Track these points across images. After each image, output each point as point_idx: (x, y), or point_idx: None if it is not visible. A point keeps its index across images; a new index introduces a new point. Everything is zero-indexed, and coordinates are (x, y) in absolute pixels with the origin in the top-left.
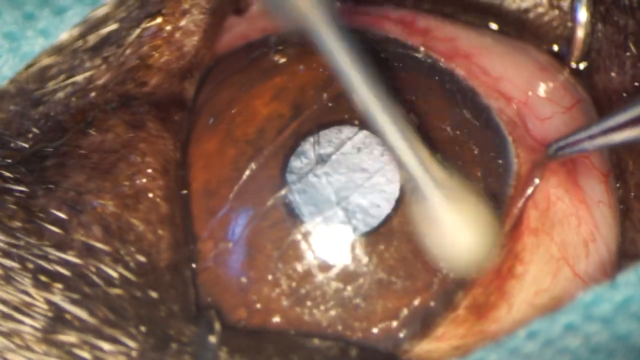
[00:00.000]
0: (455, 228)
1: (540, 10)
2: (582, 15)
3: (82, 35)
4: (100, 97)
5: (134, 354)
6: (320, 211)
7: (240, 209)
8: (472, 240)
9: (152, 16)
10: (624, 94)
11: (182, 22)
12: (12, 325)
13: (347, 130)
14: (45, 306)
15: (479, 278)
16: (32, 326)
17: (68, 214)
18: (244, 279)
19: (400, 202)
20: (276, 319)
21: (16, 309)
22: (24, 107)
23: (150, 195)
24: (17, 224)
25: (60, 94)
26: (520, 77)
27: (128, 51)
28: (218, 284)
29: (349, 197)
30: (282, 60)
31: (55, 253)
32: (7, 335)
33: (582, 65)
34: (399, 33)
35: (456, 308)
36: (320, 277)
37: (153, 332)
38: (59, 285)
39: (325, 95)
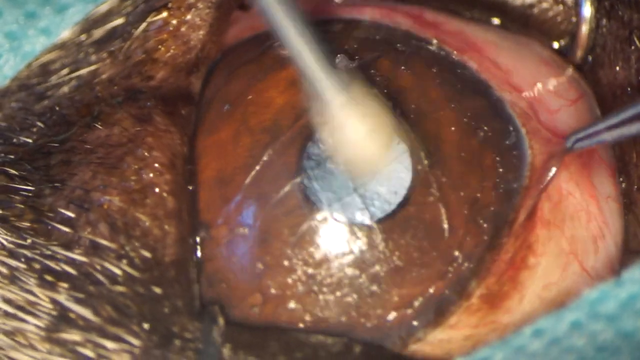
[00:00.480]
0: (356, 131)
1: (545, 5)
2: (587, 10)
3: (86, 30)
4: (106, 91)
5: (137, 351)
6: (338, 198)
7: (256, 196)
8: (372, 143)
9: (158, 10)
10: (629, 89)
11: (188, 16)
12: (15, 324)
13: None
14: (49, 305)
15: (494, 267)
16: (35, 325)
17: (76, 212)
18: (259, 265)
19: (415, 190)
20: (291, 305)
21: (20, 308)
22: (27, 102)
23: (157, 190)
24: (26, 224)
25: (65, 88)
26: (527, 71)
27: (134, 45)
28: (230, 271)
29: (366, 184)
30: None
31: (62, 252)
32: (11, 334)
33: (586, 60)
34: (410, 25)
35: (470, 297)
36: (336, 263)
37: (156, 329)
38: (65, 285)
39: None
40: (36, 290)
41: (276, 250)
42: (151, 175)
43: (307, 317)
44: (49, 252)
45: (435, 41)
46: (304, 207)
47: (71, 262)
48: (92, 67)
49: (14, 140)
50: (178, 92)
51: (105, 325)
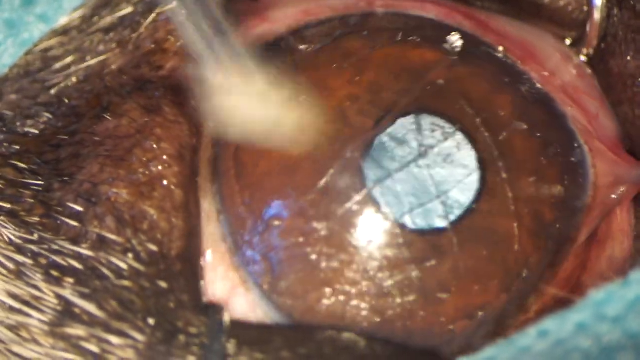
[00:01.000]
0: (244, 99)
1: None
2: None
3: (90, 17)
4: (116, 81)
5: (141, 347)
6: (420, 203)
7: (331, 193)
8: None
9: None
10: (639, 79)
11: None
12: (19, 318)
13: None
14: (54, 300)
15: (552, 285)
16: (39, 320)
17: (84, 206)
18: (331, 264)
19: (491, 201)
20: (359, 307)
21: (25, 302)
22: (30, 91)
23: (165, 182)
24: (35, 219)
25: (73, 79)
26: (567, 75)
27: (143, 35)
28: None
29: (448, 192)
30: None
31: (69, 247)
32: (15, 328)
33: (597, 50)
34: (474, 28)
35: (528, 311)
36: (404, 268)
37: (161, 324)
38: (70, 280)
39: (421, 83)
40: (42, 285)
41: (351, 250)
42: (159, 167)
43: (376, 319)
44: (56, 247)
45: (501, 48)
46: (381, 209)
47: (78, 256)
48: (102, 58)
49: (18, 129)
50: (188, 83)
51: (109, 320)
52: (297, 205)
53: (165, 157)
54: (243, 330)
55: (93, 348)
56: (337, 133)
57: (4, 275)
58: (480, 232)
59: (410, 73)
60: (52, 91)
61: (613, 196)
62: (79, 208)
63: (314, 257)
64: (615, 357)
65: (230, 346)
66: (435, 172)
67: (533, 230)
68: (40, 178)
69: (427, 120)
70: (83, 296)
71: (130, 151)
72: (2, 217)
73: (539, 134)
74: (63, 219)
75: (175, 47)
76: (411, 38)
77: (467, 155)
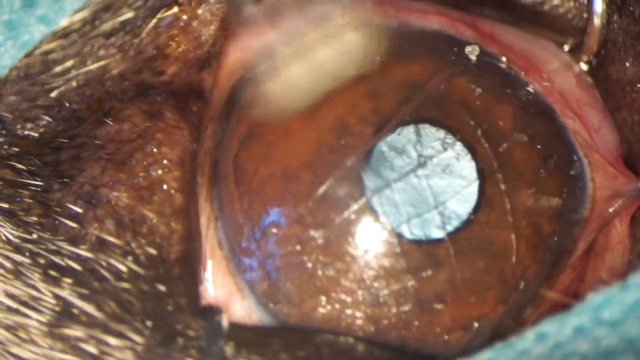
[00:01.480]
0: None
1: (556, 2)
2: (598, 5)
3: (91, 21)
4: (117, 86)
5: (139, 348)
6: (418, 213)
7: (330, 201)
8: None
9: (169, 5)
10: (638, 85)
11: (199, 11)
12: (17, 319)
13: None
14: (52, 301)
15: (549, 296)
16: (38, 320)
17: (84, 208)
18: (327, 272)
19: (490, 213)
20: (354, 315)
21: (23, 303)
22: (30, 93)
23: (165, 187)
24: (33, 218)
25: (73, 83)
26: (567, 83)
27: (145, 41)
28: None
29: (446, 202)
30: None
31: (68, 248)
32: (12, 329)
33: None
34: (476, 38)
35: (525, 323)
36: (402, 278)
37: (160, 326)
38: (69, 280)
39: (423, 93)
40: (40, 285)
41: (347, 258)
42: (160, 172)
43: (371, 328)
44: (54, 247)
45: (504, 59)
46: (379, 218)
47: (76, 257)
48: (102, 63)
49: (18, 132)
50: (189, 88)
51: (108, 321)
52: (295, 213)
53: (165, 161)
54: (241, 333)
55: (91, 349)
56: (337, 141)
57: (1, 274)
58: (478, 243)
59: (410, 82)
60: (53, 94)
61: (610, 209)
62: (78, 209)
63: (310, 265)
64: None
65: (229, 349)
66: (433, 183)
67: (531, 242)
68: (39, 179)
69: (426, 130)
70: (82, 297)
71: (131, 155)
72: None
73: (539, 146)
74: (62, 219)
75: (177, 53)
76: (413, 47)
77: (467, 166)
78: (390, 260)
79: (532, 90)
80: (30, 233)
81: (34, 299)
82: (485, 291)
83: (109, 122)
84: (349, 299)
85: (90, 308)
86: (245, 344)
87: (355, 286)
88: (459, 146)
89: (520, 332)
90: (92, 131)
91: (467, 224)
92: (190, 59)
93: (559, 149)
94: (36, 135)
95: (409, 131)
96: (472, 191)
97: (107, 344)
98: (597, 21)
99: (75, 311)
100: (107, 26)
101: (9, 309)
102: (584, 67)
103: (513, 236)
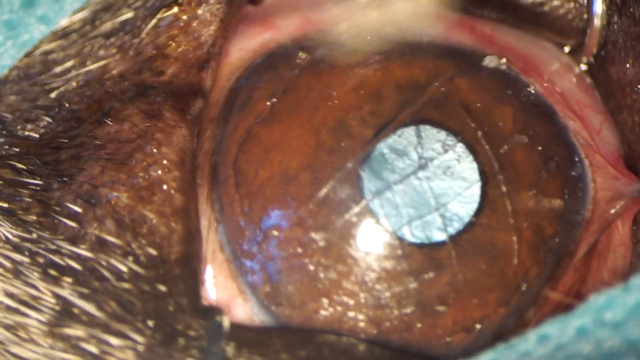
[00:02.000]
0: None
1: (556, 3)
2: (598, 7)
3: (91, 21)
4: (117, 86)
5: (141, 348)
6: (419, 215)
7: (331, 203)
8: None
9: (168, 6)
10: (638, 86)
11: (199, 12)
12: (17, 318)
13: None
14: (52, 300)
15: (551, 298)
16: (38, 320)
17: (83, 208)
18: (329, 274)
19: (491, 215)
20: (357, 317)
21: (23, 302)
22: (30, 94)
23: (165, 187)
24: (32, 217)
25: (73, 83)
26: (567, 84)
27: (145, 41)
28: (298, 279)
29: (448, 204)
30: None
31: (67, 247)
32: (12, 328)
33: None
34: (473, 40)
35: (527, 325)
36: (403, 280)
37: (161, 326)
38: (68, 280)
39: (425, 94)
40: (39, 284)
41: (349, 259)
42: (159, 172)
43: (373, 330)
44: (54, 247)
45: (504, 60)
46: (380, 219)
47: (76, 257)
48: (102, 63)
49: (18, 132)
50: (189, 88)
51: (109, 321)
52: (296, 215)
53: (165, 161)
54: (242, 333)
55: (92, 349)
56: (337, 143)
57: (1, 274)
58: (479, 245)
59: (412, 84)
60: (52, 95)
61: (612, 211)
62: (77, 209)
63: (312, 267)
64: None
65: (230, 349)
66: (435, 185)
67: (532, 243)
68: (38, 178)
69: (427, 132)
70: (82, 296)
71: (130, 155)
72: None
73: (540, 147)
74: (61, 218)
75: (177, 53)
76: (414, 49)
77: (468, 168)
78: (391, 262)
79: (532, 91)
80: (30, 232)
81: (34, 298)
82: (487, 293)
83: (108, 122)
84: (351, 302)
85: (90, 307)
86: (246, 344)
87: (357, 288)
88: (460, 148)
89: (522, 333)
90: (91, 131)
91: (468, 226)
92: (190, 59)
93: (560, 150)
94: (36, 135)
95: (409, 133)
96: (473, 193)
97: (108, 344)
98: (597, 22)
99: (75, 311)
100: (107, 26)
101: (9, 308)
102: (584, 68)
103: (515, 238)
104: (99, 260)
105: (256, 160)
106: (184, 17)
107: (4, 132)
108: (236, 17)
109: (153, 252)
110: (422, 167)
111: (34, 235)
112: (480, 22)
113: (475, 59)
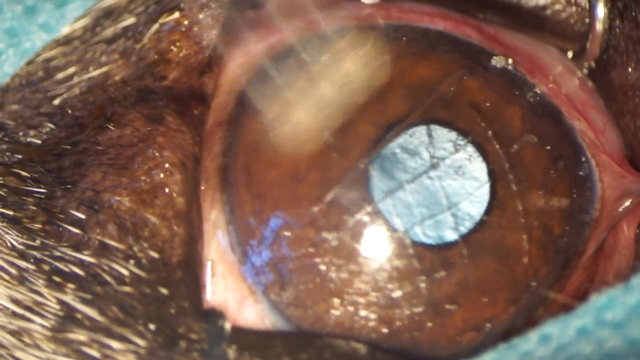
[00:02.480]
0: None
1: (558, 7)
2: (600, 11)
3: (93, 28)
4: (119, 92)
5: (142, 352)
6: (431, 214)
7: (342, 203)
8: None
9: (170, 11)
10: None
11: (200, 16)
12: (22, 324)
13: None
14: (56, 306)
15: (560, 297)
16: (41, 325)
17: (86, 214)
18: (339, 275)
19: (501, 214)
20: (367, 317)
21: (27, 308)
22: (33, 101)
23: (167, 190)
24: (38, 225)
25: (76, 90)
26: (571, 86)
27: (147, 46)
28: (309, 280)
29: (459, 204)
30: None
31: (71, 253)
32: (17, 333)
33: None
34: (480, 40)
35: (536, 324)
36: (413, 280)
37: (162, 330)
38: (72, 286)
39: (436, 94)
40: (44, 290)
41: (356, 261)
42: (161, 175)
43: (384, 330)
44: (58, 254)
45: (510, 60)
46: (390, 220)
47: (79, 263)
48: (105, 69)
49: (21, 139)
50: (191, 92)
51: (111, 325)
52: (307, 216)
53: (167, 165)
54: (244, 336)
55: (94, 353)
56: (348, 143)
57: (6, 280)
58: (490, 245)
59: (422, 84)
60: (55, 102)
61: (619, 209)
62: (81, 215)
63: (323, 267)
64: None
65: (231, 352)
66: (446, 184)
67: (542, 243)
68: (42, 186)
69: (438, 132)
70: (85, 302)
71: (132, 159)
72: (4, 224)
73: (548, 147)
74: (65, 226)
75: (178, 58)
76: (423, 50)
77: (478, 168)
78: (403, 261)
79: (539, 92)
80: (34, 240)
81: (38, 304)
82: (497, 292)
83: (110, 127)
84: (361, 301)
85: (93, 312)
86: (248, 347)
87: (368, 288)
88: (470, 147)
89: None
90: (94, 137)
91: (479, 225)
92: (191, 63)
93: (567, 150)
94: (39, 142)
95: (421, 132)
96: (484, 192)
97: (110, 348)
98: (599, 26)
99: (78, 316)
100: (108, 32)
101: (14, 314)
102: (586, 72)
103: (525, 237)
104: (102, 265)
105: (268, 161)
106: (186, 22)
107: (7, 139)
108: (238, 21)
109: (155, 255)
110: (434, 166)
111: (39, 243)
112: (484, 25)
113: (484, 58)
